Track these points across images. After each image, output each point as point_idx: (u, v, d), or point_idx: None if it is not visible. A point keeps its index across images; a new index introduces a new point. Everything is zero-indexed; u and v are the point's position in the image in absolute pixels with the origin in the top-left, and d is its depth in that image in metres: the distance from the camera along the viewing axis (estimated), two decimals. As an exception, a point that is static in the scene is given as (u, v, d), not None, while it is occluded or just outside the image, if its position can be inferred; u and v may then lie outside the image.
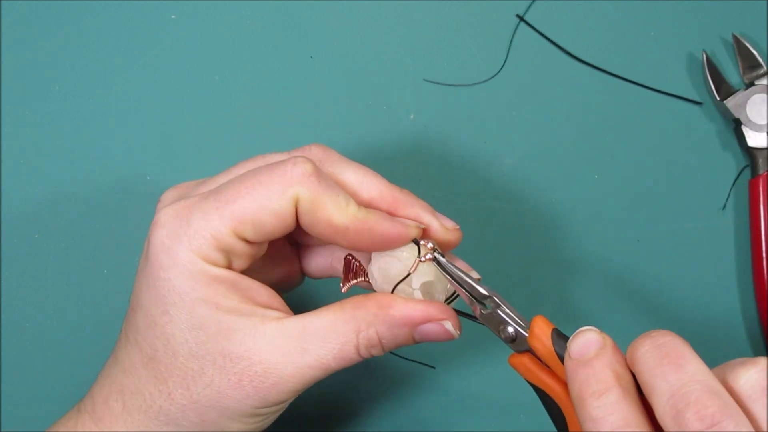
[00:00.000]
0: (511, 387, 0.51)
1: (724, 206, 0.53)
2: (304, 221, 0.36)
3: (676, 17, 0.54)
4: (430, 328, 0.37)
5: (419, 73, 0.54)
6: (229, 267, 0.36)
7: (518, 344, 0.37)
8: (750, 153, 0.52)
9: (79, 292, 0.51)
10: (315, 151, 0.39)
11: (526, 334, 0.36)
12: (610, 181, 0.53)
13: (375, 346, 0.37)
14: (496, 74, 0.54)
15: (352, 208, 0.36)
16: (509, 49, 0.54)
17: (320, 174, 0.36)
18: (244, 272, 0.37)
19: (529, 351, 0.37)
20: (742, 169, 0.53)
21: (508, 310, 0.37)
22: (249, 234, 0.35)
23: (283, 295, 0.39)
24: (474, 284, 0.37)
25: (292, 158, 0.36)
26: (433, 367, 0.51)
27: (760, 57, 0.52)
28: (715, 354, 0.52)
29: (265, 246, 0.38)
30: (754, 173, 0.52)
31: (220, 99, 0.53)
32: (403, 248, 0.38)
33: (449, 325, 0.37)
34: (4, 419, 0.50)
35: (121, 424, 0.37)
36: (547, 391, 0.36)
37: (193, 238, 0.35)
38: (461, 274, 0.38)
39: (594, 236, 0.52)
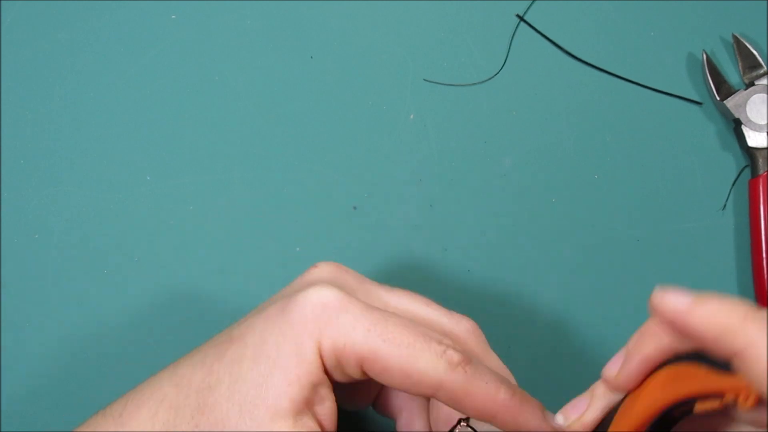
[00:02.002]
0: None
1: (724, 206, 0.53)
2: (442, 401, 0.35)
3: (676, 17, 0.54)
4: None
5: (419, 73, 0.54)
6: (331, 376, 0.35)
7: None
8: (750, 153, 0.52)
9: (79, 292, 0.51)
10: (466, 329, 0.39)
11: None
12: (610, 181, 0.53)
13: None
14: (496, 74, 0.54)
15: (501, 387, 0.35)
16: (509, 49, 0.54)
17: (468, 364, 0.35)
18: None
19: None
20: (742, 169, 0.53)
21: None
22: (371, 372, 0.35)
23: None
24: None
25: (447, 344, 0.35)
26: None
27: (760, 57, 0.52)
28: (715, 354, 0.52)
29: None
30: (754, 173, 0.52)
31: (220, 99, 0.53)
32: None
33: None
34: (4, 419, 0.50)
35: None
36: None
37: (329, 328, 0.34)
38: None
39: (594, 236, 0.52)
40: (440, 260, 0.52)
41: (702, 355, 0.32)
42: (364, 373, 0.35)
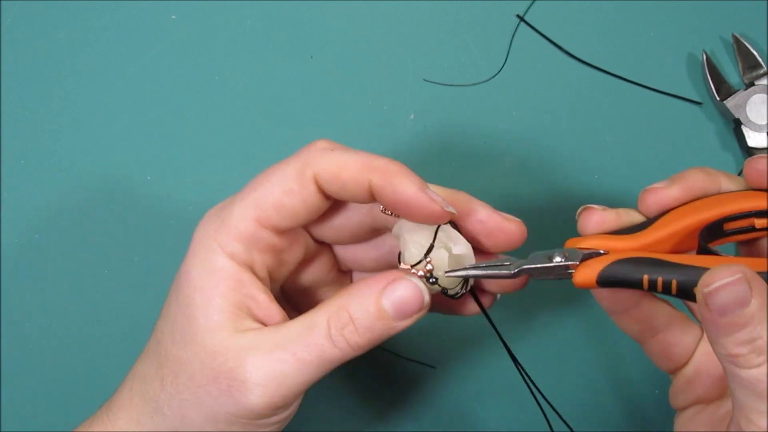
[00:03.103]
0: (511, 387, 0.51)
1: (724, 206, 0.53)
2: (331, 190, 0.36)
3: (676, 17, 0.54)
4: (396, 290, 0.35)
5: (419, 73, 0.54)
6: (251, 263, 0.36)
7: (571, 259, 0.36)
8: (750, 153, 0.52)
9: (79, 292, 0.51)
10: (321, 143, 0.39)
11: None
12: (610, 181, 0.53)
13: (347, 326, 0.35)
14: (496, 74, 0.54)
15: (375, 158, 0.35)
16: (509, 49, 0.54)
17: (334, 145, 0.36)
18: (273, 272, 0.37)
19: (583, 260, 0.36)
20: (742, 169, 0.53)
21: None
22: (271, 219, 0.36)
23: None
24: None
25: (315, 141, 0.37)
26: (434, 367, 0.51)
27: (760, 57, 0.52)
28: (715, 354, 0.52)
29: (297, 247, 0.38)
30: (754, 173, 0.52)
31: (220, 99, 0.53)
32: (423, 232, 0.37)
33: (413, 279, 0.36)
34: (4, 419, 0.50)
35: (125, 411, 0.37)
36: (637, 255, 0.35)
37: (219, 230, 0.36)
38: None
39: (594, 236, 0.52)
40: (440, 260, 0.52)
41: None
42: (274, 229, 0.36)
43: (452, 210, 0.35)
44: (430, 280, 0.37)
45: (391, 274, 0.36)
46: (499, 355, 0.50)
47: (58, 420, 0.50)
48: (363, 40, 0.54)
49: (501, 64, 0.54)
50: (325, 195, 0.36)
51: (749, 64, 0.52)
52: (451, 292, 0.38)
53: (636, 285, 0.34)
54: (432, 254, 0.36)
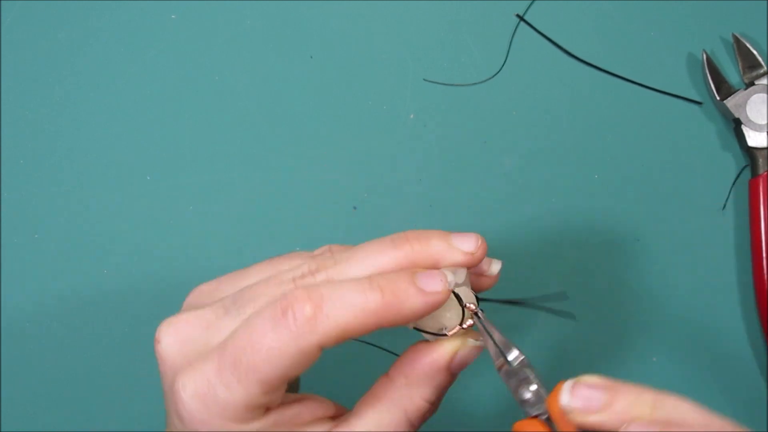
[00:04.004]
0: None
1: (724, 206, 0.53)
2: (339, 342, 0.34)
3: (676, 17, 0.54)
4: (461, 357, 0.36)
5: (419, 73, 0.54)
6: (269, 408, 0.35)
7: (533, 407, 0.35)
8: (750, 153, 0.52)
9: (79, 291, 0.51)
10: (322, 252, 0.38)
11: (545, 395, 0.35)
12: (610, 181, 0.53)
13: (426, 410, 0.36)
14: (496, 74, 0.54)
15: (367, 295, 0.33)
16: (509, 49, 0.54)
17: (321, 301, 0.33)
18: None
19: (538, 418, 0.35)
20: (742, 169, 0.53)
21: (535, 373, 0.36)
22: (276, 389, 0.34)
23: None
24: (508, 343, 0.36)
25: (288, 302, 0.33)
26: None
27: (760, 57, 0.52)
28: (716, 354, 0.52)
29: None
30: (754, 173, 0.52)
31: (220, 99, 0.53)
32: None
33: (471, 342, 0.36)
34: (4, 419, 0.50)
35: None
36: None
37: (226, 412, 0.34)
38: (497, 333, 0.37)
39: (594, 236, 0.52)
40: (440, 260, 0.52)
41: None
42: (277, 390, 0.34)
43: (451, 280, 0.35)
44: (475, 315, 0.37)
45: (445, 345, 0.36)
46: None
47: (58, 420, 0.50)
48: (363, 40, 0.54)
49: (501, 64, 0.54)
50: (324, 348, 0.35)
51: (749, 63, 0.52)
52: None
53: None
54: (463, 294, 0.36)
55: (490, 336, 0.36)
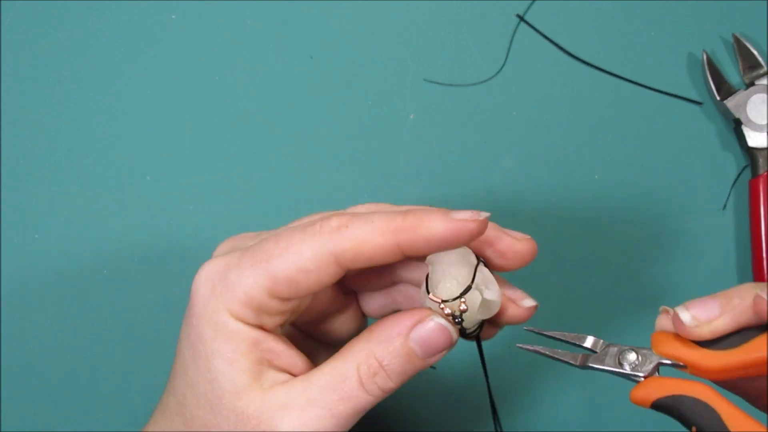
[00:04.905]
0: (511, 387, 0.51)
1: (724, 206, 0.53)
2: (356, 266, 0.35)
3: (676, 17, 0.54)
4: (422, 330, 0.35)
5: (419, 73, 0.54)
6: (261, 325, 0.35)
7: (640, 369, 0.35)
8: (750, 153, 0.52)
9: (79, 291, 0.51)
10: (367, 207, 0.38)
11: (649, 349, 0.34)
12: (610, 181, 0.53)
13: (378, 373, 0.35)
14: (496, 74, 0.54)
15: (391, 217, 0.34)
16: (509, 49, 0.54)
17: (350, 220, 0.34)
18: (290, 325, 0.37)
19: (651, 375, 0.34)
20: (742, 169, 0.53)
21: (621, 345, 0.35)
22: (284, 293, 0.35)
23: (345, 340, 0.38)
24: (576, 335, 0.36)
25: (323, 218, 0.35)
26: (434, 368, 0.51)
27: (760, 57, 0.52)
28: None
29: (306, 302, 0.37)
30: (754, 173, 0.52)
31: (220, 99, 0.53)
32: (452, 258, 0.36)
33: (438, 319, 0.35)
34: (4, 419, 0.50)
35: None
36: (699, 396, 0.33)
37: (227, 292, 0.35)
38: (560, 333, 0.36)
39: (594, 236, 0.52)
40: (440, 260, 0.52)
41: None
42: (285, 299, 0.35)
43: (486, 214, 0.34)
44: (456, 320, 0.35)
45: (417, 314, 0.35)
46: (498, 355, 0.50)
47: (58, 420, 0.50)
48: (363, 40, 0.54)
49: (501, 64, 0.54)
50: (343, 270, 0.35)
51: (749, 64, 0.52)
52: (467, 332, 0.37)
53: (684, 425, 0.33)
54: (467, 295, 0.35)
55: (558, 339, 0.36)
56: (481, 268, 0.36)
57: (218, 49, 0.54)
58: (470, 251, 0.36)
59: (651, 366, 0.34)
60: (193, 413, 0.35)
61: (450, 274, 0.35)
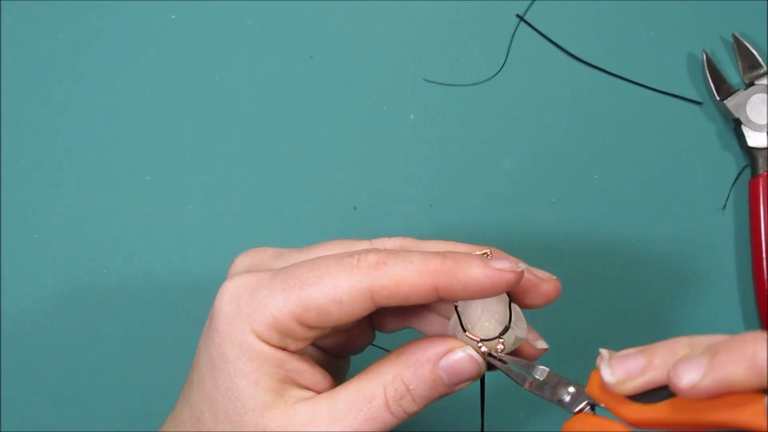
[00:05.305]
0: (512, 386, 0.50)
1: (724, 206, 0.53)
2: (391, 303, 0.35)
3: (676, 17, 0.54)
4: (452, 359, 0.35)
5: (419, 73, 0.54)
6: (284, 347, 0.35)
7: (574, 404, 0.36)
8: (750, 153, 0.52)
9: (79, 291, 0.51)
10: (395, 242, 0.38)
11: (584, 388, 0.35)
12: (610, 181, 0.53)
13: (404, 396, 0.35)
14: (496, 74, 0.54)
15: (429, 259, 0.34)
16: (509, 49, 0.54)
17: (387, 257, 0.34)
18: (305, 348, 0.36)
19: (582, 411, 0.35)
20: (742, 169, 0.53)
21: (563, 377, 0.36)
22: (312, 321, 0.35)
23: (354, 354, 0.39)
24: (528, 363, 0.37)
25: (362, 252, 0.35)
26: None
27: (760, 57, 0.52)
28: (715, 354, 0.52)
29: (329, 330, 0.37)
30: (754, 173, 0.52)
31: (220, 99, 0.53)
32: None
33: (470, 351, 0.36)
34: (4, 419, 0.50)
35: None
36: None
37: (254, 313, 0.34)
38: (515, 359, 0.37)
39: (594, 236, 0.52)
40: (440, 260, 0.52)
41: None
42: (311, 327, 0.35)
43: (522, 266, 0.35)
44: (489, 355, 0.36)
45: (448, 343, 0.36)
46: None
47: (58, 420, 0.50)
48: (363, 40, 0.54)
49: (501, 64, 0.54)
50: (375, 306, 0.35)
51: (749, 64, 0.52)
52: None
53: None
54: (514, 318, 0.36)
55: (512, 364, 0.37)
56: (515, 307, 0.37)
57: (218, 49, 0.54)
58: (505, 293, 0.36)
59: (584, 402, 0.35)
60: (210, 428, 0.35)
61: (489, 312, 0.36)
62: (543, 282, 0.37)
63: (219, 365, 0.35)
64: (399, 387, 0.35)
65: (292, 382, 0.35)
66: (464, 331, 0.36)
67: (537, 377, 0.37)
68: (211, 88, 0.53)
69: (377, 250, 0.35)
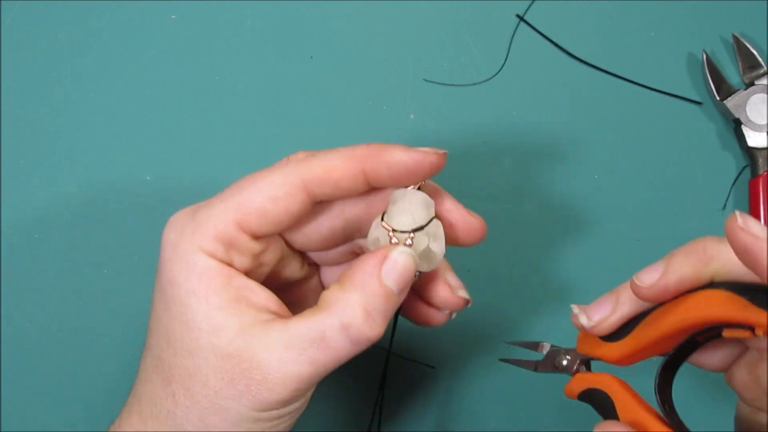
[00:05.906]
0: (512, 386, 0.51)
1: (724, 206, 0.53)
2: (324, 193, 0.36)
3: (676, 17, 0.54)
4: (395, 266, 0.35)
5: (419, 73, 0.54)
6: (230, 262, 0.35)
7: (573, 366, 0.40)
8: (750, 153, 0.52)
9: (79, 292, 0.51)
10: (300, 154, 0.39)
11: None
12: (610, 181, 0.53)
13: (365, 320, 0.34)
14: (496, 74, 0.54)
15: (356, 147, 0.36)
16: (509, 49, 0.54)
17: (316, 152, 0.37)
18: (248, 274, 0.36)
19: (579, 371, 0.39)
20: (742, 169, 0.53)
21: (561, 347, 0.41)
22: (253, 224, 0.35)
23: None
24: (534, 343, 0.42)
25: (284, 158, 0.37)
26: (433, 367, 0.51)
27: (760, 57, 0.52)
28: (715, 354, 0.52)
29: (274, 249, 0.37)
30: (754, 173, 0.52)
31: (220, 99, 0.53)
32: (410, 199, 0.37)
33: (401, 248, 0.36)
34: (4, 419, 0.50)
35: None
36: (601, 387, 0.37)
37: (197, 231, 0.35)
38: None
39: (594, 236, 0.52)
40: (440, 260, 0.52)
41: (735, 286, 0.33)
42: (253, 235, 0.36)
43: (444, 150, 0.37)
44: None
45: (381, 252, 0.36)
46: (498, 354, 0.50)
47: (58, 420, 0.50)
48: (363, 40, 0.54)
49: (501, 64, 0.54)
50: (311, 200, 0.36)
51: (749, 64, 0.53)
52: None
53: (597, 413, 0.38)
54: (417, 234, 0.37)
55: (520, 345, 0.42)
56: (438, 223, 0.38)
57: (218, 49, 0.54)
58: (433, 206, 0.38)
59: (578, 363, 0.39)
60: (171, 364, 0.35)
61: (408, 211, 0.37)
62: (470, 216, 0.39)
63: (170, 293, 0.35)
64: (357, 315, 0.34)
65: (246, 302, 0.35)
66: (382, 220, 0.37)
67: (542, 353, 0.41)
68: (211, 88, 0.53)
69: (306, 151, 0.37)
